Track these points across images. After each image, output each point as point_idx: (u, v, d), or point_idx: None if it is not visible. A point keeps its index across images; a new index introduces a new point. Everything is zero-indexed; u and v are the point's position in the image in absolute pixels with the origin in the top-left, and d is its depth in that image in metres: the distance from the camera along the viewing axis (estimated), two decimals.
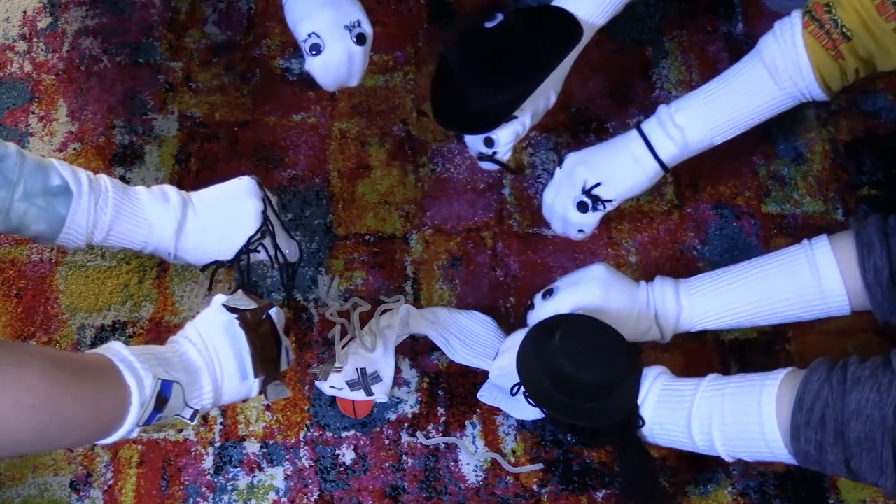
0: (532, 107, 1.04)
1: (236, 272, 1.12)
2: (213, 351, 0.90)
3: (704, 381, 0.93)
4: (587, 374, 0.93)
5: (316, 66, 1.01)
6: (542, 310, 1.06)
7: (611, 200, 1.06)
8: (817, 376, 0.85)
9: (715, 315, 1.02)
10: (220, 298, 0.94)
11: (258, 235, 1.01)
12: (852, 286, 0.94)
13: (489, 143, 1.05)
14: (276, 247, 1.03)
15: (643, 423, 0.95)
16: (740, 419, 0.89)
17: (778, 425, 0.86)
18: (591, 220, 1.08)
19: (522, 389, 1.00)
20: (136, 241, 0.97)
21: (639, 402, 0.95)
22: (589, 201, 1.07)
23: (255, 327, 0.92)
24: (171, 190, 0.99)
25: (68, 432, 0.78)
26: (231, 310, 0.92)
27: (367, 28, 1.01)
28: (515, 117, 1.03)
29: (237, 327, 0.91)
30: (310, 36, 0.99)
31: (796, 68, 0.97)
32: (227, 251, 1.00)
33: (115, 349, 0.83)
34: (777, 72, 0.98)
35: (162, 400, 0.82)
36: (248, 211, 1.00)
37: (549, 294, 1.06)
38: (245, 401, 0.96)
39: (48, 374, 0.76)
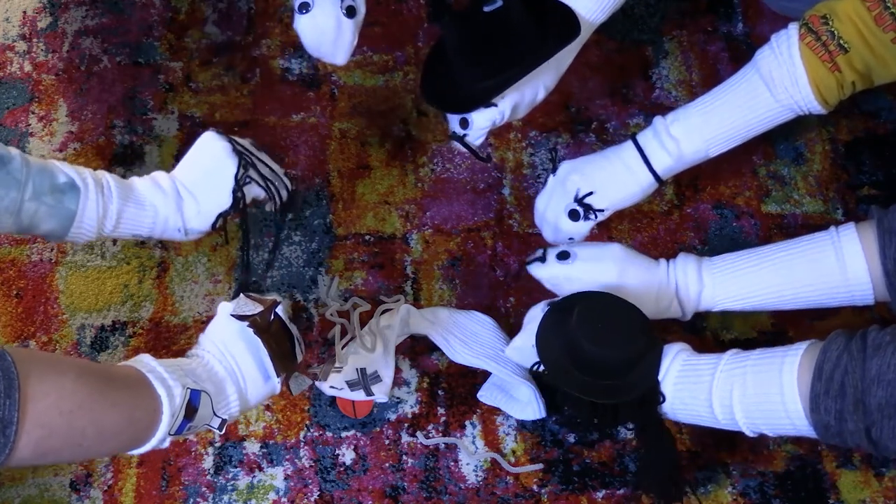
0: (516, 97, 1.02)
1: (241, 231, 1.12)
2: (232, 360, 0.93)
3: (726, 356, 0.93)
4: (606, 351, 0.93)
5: (302, 25, 1.01)
6: (554, 268, 1.06)
7: (603, 210, 1.06)
8: (836, 345, 0.84)
9: (737, 296, 1.01)
10: (225, 308, 0.96)
11: (241, 170, 1.02)
12: (877, 275, 0.93)
13: (464, 124, 1.04)
14: (265, 177, 1.04)
15: (664, 399, 0.95)
16: (762, 390, 0.88)
17: (799, 395, 0.86)
18: (582, 228, 1.08)
19: (542, 368, 1.00)
20: (144, 224, 0.99)
21: (659, 378, 0.95)
22: (581, 210, 1.07)
23: (267, 328, 0.94)
24: (157, 174, 1.01)
25: (104, 440, 0.80)
26: (240, 318, 0.94)
27: (361, 5, 1.01)
28: (495, 105, 1.01)
29: (251, 333, 0.93)
30: None
31: (792, 80, 0.96)
32: (224, 199, 1.01)
33: (144, 361, 0.86)
34: (774, 84, 0.98)
35: (191, 409, 0.85)
36: (220, 154, 1.02)
37: (564, 256, 1.06)
38: (275, 403, 0.98)
39: (84, 380, 0.78)
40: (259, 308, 0.95)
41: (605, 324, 0.95)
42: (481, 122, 1.02)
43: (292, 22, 1.02)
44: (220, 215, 1.02)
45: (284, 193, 1.08)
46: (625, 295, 1.01)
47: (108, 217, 0.95)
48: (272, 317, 0.95)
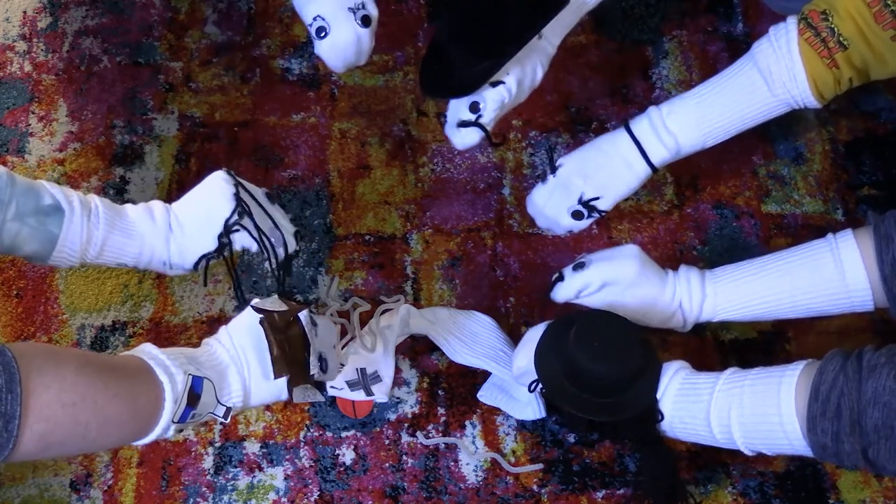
0: (519, 73, 1.01)
1: (236, 269, 1.11)
2: (240, 350, 0.92)
3: (724, 375, 0.93)
4: (604, 369, 0.93)
5: (324, 49, 1.01)
6: (573, 280, 1.04)
7: (606, 210, 1.07)
8: (832, 367, 0.84)
9: (738, 306, 1.01)
10: (255, 302, 0.95)
11: (235, 217, 0.99)
12: (875, 281, 0.93)
13: (474, 108, 1.02)
14: (259, 228, 1.01)
15: (662, 418, 0.95)
16: (759, 411, 0.88)
17: (797, 416, 0.86)
18: (582, 225, 1.09)
19: (541, 387, 1.00)
20: (129, 253, 0.97)
21: (658, 396, 0.95)
22: (585, 211, 1.07)
23: (284, 329, 0.93)
24: (154, 203, 1.00)
25: (108, 431, 0.80)
26: (259, 311, 0.93)
27: (372, 9, 1.01)
28: (502, 82, 1.00)
29: (259, 326, 0.92)
30: (315, 19, 0.99)
31: (790, 75, 0.96)
32: (209, 242, 1.00)
33: (145, 349, 0.86)
34: (771, 78, 0.98)
35: (194, 396, 0.85)
36: (219, 196, 1.00)
37: (580, 267, 1.05)
38: (275, 403, 0.97)
39: (85, 371, 0.78)
40: (284, 308, 0.95)
41: (602, 341, 0.95)
42: (492, 102, 1.01)
43: (312, 48, 1.01)
44: (202, 257, 1.00)
45: (281, 251, 1.04)
46: (634, 299, 1.01)
47: (92, 243, 0.94)
48: (292, 319, 0.94)
